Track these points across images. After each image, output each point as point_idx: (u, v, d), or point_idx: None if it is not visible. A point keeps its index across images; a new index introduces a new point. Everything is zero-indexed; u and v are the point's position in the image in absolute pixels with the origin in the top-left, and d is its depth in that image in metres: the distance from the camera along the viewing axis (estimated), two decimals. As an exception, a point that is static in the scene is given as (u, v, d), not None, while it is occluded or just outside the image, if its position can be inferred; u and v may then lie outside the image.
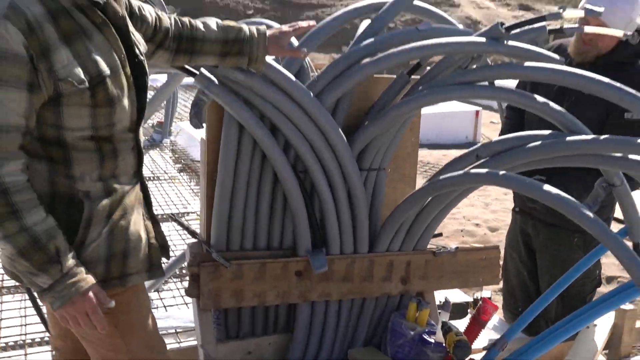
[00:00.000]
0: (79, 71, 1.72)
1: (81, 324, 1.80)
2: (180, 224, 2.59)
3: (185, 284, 4.10)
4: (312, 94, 2.33)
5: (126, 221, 1.92)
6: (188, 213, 5.51)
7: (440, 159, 8.66)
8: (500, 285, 3.45)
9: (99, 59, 1.76)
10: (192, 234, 2.54)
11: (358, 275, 2.52)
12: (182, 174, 6.83)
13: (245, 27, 2.20)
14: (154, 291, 3.92)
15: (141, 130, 2.00)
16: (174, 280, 4.17)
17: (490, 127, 11.10)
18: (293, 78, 2.31)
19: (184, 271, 4.29)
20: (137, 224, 1.97)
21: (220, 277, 2.38)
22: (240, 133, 2.36)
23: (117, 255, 1.92)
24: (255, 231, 2.48)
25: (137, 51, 1.91)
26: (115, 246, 1.90)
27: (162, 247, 2.10)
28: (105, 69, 1.77)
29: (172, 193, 6.09)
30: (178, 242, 4.74)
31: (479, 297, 3.30)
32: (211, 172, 2.44)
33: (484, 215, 6.28)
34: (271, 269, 2.43)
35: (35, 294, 1.83)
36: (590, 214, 1.97)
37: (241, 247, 2.48)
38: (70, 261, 1.76)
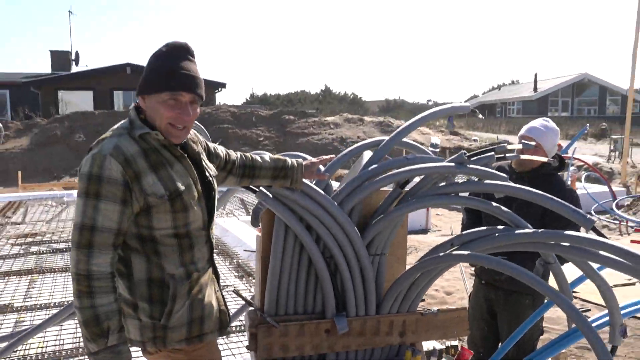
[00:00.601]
0: (161, 189, 1.85)
1: None
2: (241, 296, 2.62)
3: (231, 337, 4.09)
4: (335, 203, 2.42)
5: (202, 295, 2.01)
6: (227, 285, 5.46)
7: (403, 242, 8.69)
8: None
9: (176, 180, 1.90)
10: (250, 303, 2.57)
11: (369, 331, 2.52)
12: (219, 256, 6.80)
13: (288, 160, 2.34)
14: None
15: (213, 228, 2.08)
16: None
17: (436, 218, 11.20)
18: (322, 192, 2.41)
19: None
20: (210, 296, 2.04)
21: (271, 335, 2.39)
22: (286, 231, 2.43)
23: (196, 320, 1.99)
24: (295, 300, 2.50)
25: (207, 174, 2.06)
26: (194, 314, 1.97)
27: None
28: (181, 187, 1.90)
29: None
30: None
31: (449, 345, 3.29)
32: (265, 259, 2.49)
33: (440, 283, 6.25)
34: (308, 328, 2.44)
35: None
36: (541, 280, 2.05)
37: (285, 312, 2.50)
38: (115, 340, 1.78)
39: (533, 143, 2.52)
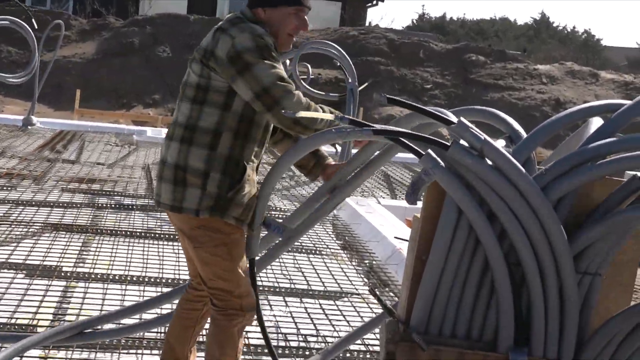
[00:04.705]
0: None
1: None
2: (379, 299, 2.91)
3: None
4: (538, 187, 2.59)
5: (255, 188, 3.37)
6: (352, 294, 5.84)
7: None
8: None
9: None
10: (390, 312, 2.85)
11: (560, 383, 2.69)
12: (345, 251, 7.20)
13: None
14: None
15: None
16: None
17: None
18: (522, 168, 2.59)
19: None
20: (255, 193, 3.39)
21: (415, 359, 2.66)
22: (458, 218, 2.65)
23: (249, 207, 3.32)
24: (455, 318, 2.72)
25: None
26: (250, 200, 3.32)
27: None
28: None
29: (335, 269, 6.48)
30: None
31: None
32: (420, 251, 2.74)
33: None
34: (469, 360, 2.67)
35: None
36: None
37: (440, 332, 2.73)
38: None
39: None
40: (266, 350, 4.52)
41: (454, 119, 2.78)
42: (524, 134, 2.72)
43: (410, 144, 2.72)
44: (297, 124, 3.22)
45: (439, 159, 2.60)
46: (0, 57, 21.40)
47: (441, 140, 2.66)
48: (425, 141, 2.67)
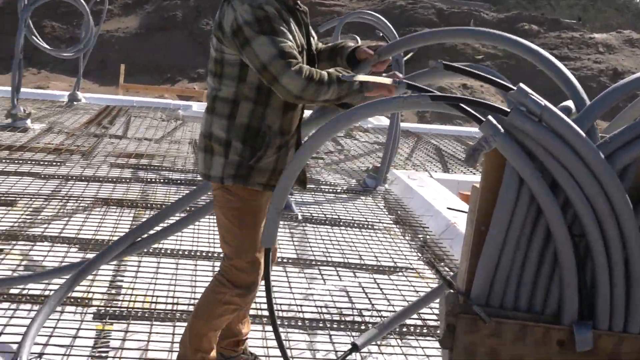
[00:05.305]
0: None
1: None
2: (438, 270, 2.93)
3: (407, 339, 4.50)
4: (602, 155, 2.57)
5: (286, 154, 3.47)
6: (406, 269, 5.86)
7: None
8: None
9: (300, 39, 3.41)
10: (449, 284, 2.87)
11: (626, 357, 2.65)
12: (397, 226, 7.22)
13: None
14: (374, 344, 4.28)
15: None
16: (395, 336, 4.52)
17: None
18: (584, 135, 2.57)
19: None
20: (289, 158, 3.47)
21: (476, 332, 2.65)
22: (519, 187, 2.64)
23: (277, 172, 3.39)
24: (517, 290, 2.71)
25: (312, 47, 3.59)
26: (278, 166, 3.43)
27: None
28: (305, 46, 3.46)
29: (389, 244, 6.51)
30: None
31: None
32: (480, 221, 2.73)
33: None
34: (532, 332, 2.65)
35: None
36: None
37: (501, 305, 2.73)
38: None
39: None
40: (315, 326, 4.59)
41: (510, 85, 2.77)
42: (588, 101, 2.69)
43: (470, 110, 2.72)
44: (300, 98, 3.23)
45: (499, 126, 2.60)
46: (44, 32, 21.69)
47: (500, 107, 2.66)
48: (485, 107, 2.67)
